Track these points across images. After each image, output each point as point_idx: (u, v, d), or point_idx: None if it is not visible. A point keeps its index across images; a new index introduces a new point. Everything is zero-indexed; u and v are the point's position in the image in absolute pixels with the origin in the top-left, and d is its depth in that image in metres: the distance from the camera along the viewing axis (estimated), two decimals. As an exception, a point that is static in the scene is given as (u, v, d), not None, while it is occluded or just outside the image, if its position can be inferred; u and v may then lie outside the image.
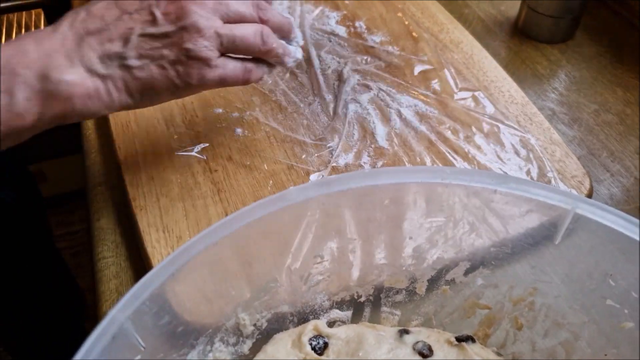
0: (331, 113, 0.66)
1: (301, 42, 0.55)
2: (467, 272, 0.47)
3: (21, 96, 0.41)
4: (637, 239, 0.38)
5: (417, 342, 0.44)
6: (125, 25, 0.45)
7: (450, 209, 0.46)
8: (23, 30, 1.54)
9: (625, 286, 0.41)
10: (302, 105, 0.67)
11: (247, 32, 0.48)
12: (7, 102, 0.41)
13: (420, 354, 0.43)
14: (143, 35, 0.45)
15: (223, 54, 0.48)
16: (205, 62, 0.46)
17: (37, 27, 1.50)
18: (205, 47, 0.46)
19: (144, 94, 0.46)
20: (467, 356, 0.44)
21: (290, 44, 0.54)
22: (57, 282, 1.23)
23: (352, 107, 0.66)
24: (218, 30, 0.46)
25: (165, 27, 0.45)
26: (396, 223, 0.46)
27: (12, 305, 1.09)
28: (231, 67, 0.49)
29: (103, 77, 0.44)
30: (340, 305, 0.47)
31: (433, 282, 0.47)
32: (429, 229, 0.47)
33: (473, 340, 0.45)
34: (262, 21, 0.50)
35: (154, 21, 0.45)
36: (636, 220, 0.38)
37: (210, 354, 0.42)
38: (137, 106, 0.48)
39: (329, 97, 0.67)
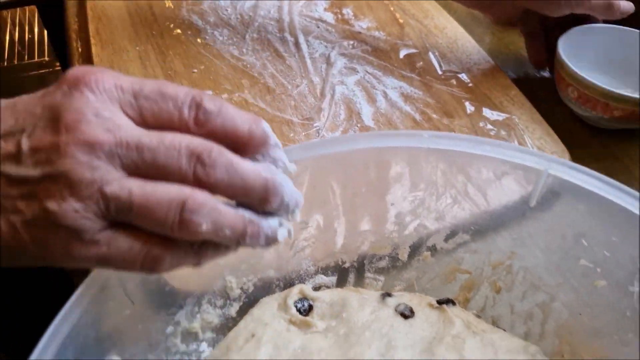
0: (318, 94, 0.67)
1: (297, 217, 0.34)
2: (447, 238, 0.48)
3: None
4: (608, 197, 0.40)
5: (399, 305, 0.46)
6: None
7: (433, 183, 0.48)
8: (17, 28, 1.55)
9: (597, 245, 0.42)
10: (290, 87, 0.68)
11: (155, 198, 0.29)
12: None
13: (402, 315, 0.45)
14: None
15: (115, 223, 0.30)
16: (74, 233, 0.29)
17: (30, 24, 1.51)
18: (76, 212, 0.29)
19: None
20: (447, 318, 0.45)
21: (275, 216, 0.33)
22: (53, 282, 1.24)
23: (339, 88, 0.68)
24: (105, 189, 0.29)
25: (27, 170, 0.29)
26: (380, 190, 0.48)
27: (7, 305, 1.10)
28: (121, 247, 0.30)
29: None
30: (325, 270, 0.49)
31: (415, 249, 0.49)
32: (412, 202, 0.48)
33: (453, 303, 0.47)
34: (201, 184, 0.30)
35: (17, 156, 0.29)
36: (606, 179, 0.40)
37: (198, 315, 0.43)
38: None
39: (317, 80, 0.69)
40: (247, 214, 0.31)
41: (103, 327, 0.36)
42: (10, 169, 0.29)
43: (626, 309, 0.42)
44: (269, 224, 0.32)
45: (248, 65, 0.71)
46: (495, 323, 0.47)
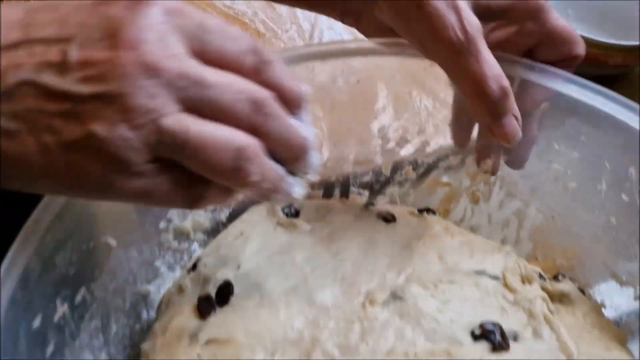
0: (307, 39, 0.70)
1: (316, 175, 0.33)
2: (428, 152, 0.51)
3: None
4: (576, 96, 0.42)
5: (382, 211, 0.48)
6: (13, 58, 0.26)
7: (414, 106, 0.50)
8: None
9: (567, 147, 0.45)
10: (279, 31, 0.70)
11: (214, 140, 0.27)
12: None
13: (384, 219, 0.47)
14: (33, 84, 0.26)
15: (159, 158, 0.27)
16: (119, 163, 0.26)
17: None
18: (125, 140, 0.26)
19: (5, 174, 0.27)
20: (427, 223, 0.47)
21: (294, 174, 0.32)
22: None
23: (327, 33, 0.70)
24: (161, 121, 0.26)
25: (72, 85, 0.26)
26: (363, 108, 0.50)
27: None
28: (165, 181, 0.28)
29: None
30: (311, 184, 0.51)
31: (397, 163, 0.51)
32: (397, 130, 0.51)
33: (434, 213, 0.49)
34: (256, 131, 0.28)
35: (61, 67, 0.26)
36: (574, 77, 0.42)
37: (190, 215, 0.46)
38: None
39: (306, 26, 0.71)
40: (280, 170, 0.30)
41: (97, 208, 0.38)
42: (50, 79, 0.25)
43: (595, 208, 0.45)
44: (289, 181, 0.31)
45: (239, 13, 0.73)
46: (473, 232, 0.50)
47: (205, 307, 0.40)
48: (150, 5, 0.26)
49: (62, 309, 0.35)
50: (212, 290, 0.40)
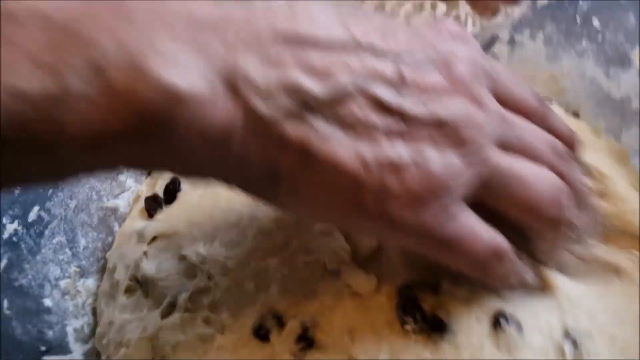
0: None
1: None
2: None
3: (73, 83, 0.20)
4: None
5: None
6: (344, 59, 0.24)
7: None
8: None
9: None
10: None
11: (535, 176, 0.27)
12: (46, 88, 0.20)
13: None
14: (365, 93, 0.24)
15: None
16: (441, 194, 0.24)
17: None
18: (456, 170, 0.25)
19: (293, 182, 0.24)
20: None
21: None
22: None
23: None
24: (488, 158, 0.26)
25: (406, 103, 0.24)
26: None
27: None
28: (473, 228, 0.26)
29: (257, 120, 0.23)
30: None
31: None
32: None
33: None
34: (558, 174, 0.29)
35: (394, 81, 0.24)
36: None
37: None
38: (275, 203, 0.27)
39: None
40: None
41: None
42: (384, 92, 0.24)
43: (576, 15, 0.37)
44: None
45: None
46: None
47: (152, 206, 0.40)
48: (469, 44, 0.28)
49: (12, 226, 0.37)
50: (160, 190, 0.40)
